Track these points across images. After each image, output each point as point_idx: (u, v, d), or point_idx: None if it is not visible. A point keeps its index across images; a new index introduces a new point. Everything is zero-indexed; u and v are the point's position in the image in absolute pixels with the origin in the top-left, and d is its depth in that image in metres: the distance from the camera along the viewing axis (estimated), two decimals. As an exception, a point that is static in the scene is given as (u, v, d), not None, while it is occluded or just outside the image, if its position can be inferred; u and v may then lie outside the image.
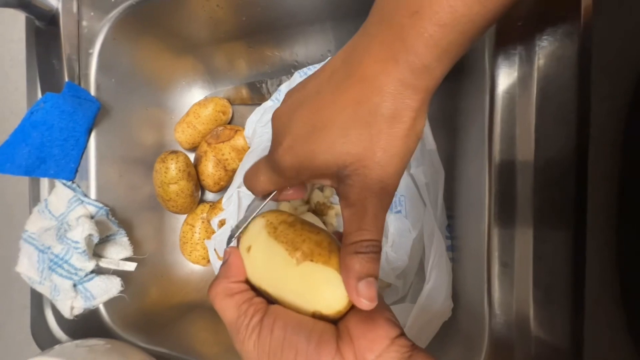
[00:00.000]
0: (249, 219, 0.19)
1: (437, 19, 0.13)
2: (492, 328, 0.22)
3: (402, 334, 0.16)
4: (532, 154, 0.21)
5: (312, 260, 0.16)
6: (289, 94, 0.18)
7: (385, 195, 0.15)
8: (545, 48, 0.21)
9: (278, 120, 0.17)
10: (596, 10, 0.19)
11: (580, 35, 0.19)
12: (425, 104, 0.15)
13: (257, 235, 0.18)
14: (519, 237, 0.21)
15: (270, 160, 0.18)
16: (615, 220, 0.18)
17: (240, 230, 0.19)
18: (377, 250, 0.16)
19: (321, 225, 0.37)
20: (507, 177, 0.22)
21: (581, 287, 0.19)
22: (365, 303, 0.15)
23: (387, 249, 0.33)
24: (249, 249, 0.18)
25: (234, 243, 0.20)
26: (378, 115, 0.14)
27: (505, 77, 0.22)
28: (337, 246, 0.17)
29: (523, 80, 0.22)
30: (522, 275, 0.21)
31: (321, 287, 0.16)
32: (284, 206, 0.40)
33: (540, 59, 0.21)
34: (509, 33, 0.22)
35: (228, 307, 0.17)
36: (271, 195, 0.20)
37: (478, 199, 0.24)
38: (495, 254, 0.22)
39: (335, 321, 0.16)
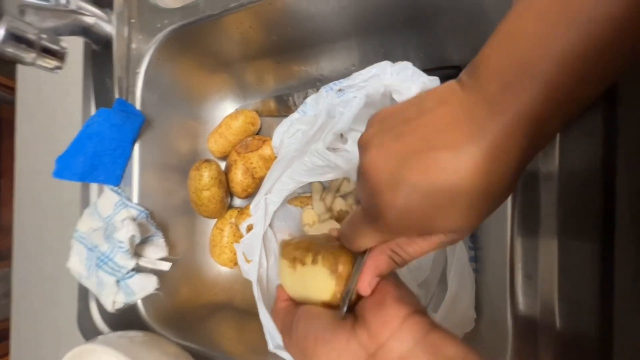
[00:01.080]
0: (356, 278, 0.18)
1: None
2: (516, 339, 0.22)
3: (416, 312, 0.16)
4: (557, 164, 0.21)
5: (304, 264, 0.19)
6: (387, 126, 0.15)
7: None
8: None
9: (376, 163, 0.14)
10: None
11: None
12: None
13: (282, 268, 0.21)
14: (542, 248, 0.21)
15: (370, 215, 0.16)
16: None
17: (351, 291, 0.18)
18: (402, 265, 0.18)
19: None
20: (530, 188, 0.22)
21: (609, 299, 0.18)
22: (368, 289, 0.17)
23: (408, 257, 0.33)
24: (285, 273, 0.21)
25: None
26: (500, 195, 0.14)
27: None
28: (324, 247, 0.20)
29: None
30: (546, 286, 0.21)
31: (316, 282, 0.19)
32: (308, 213, 0.41)
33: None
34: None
35: (276, 320, 0.21)
36: (367, 252, 0.18)
37: (501, 209, 0.24)
38: (519, 265, 0.22)
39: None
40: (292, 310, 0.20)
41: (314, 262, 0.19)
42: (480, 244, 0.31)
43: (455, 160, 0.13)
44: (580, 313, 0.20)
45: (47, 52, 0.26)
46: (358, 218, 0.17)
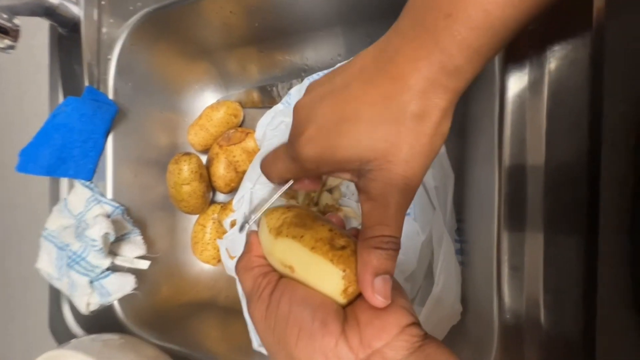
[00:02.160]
0: (265, 206, 0.20)
1: (470, 21, 0.13)
2: (502, 332, 0.22)
3: (415, 324, 0.15)
4: (543, 158, 0.21)
5: (320, 252, 0.16)
6: (313, 85, 0.18)
7: (408, 191, 0.15)
8: (556, 51, 0.21)
9: (301, 110, 0.17)
10: (608, 14, 0.19)
11: (592, 39, 0.19)
12: (453, 105, 0.15)
13: (279, 220, 0.18)
14: (529, 240, 0.21)
15: (290, 149, 0.18)
16: (628, 224, 0.18)
17: (256, 218, 0.20)
18: (396, 247, 0.16)
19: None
20: (517, 181, 0.22)
21: (593, 291, 0.19)
22: (380, 300, 0.15)
23: (395, 251, 0.33)
24: (272, 230, 0.18)
25: (248, 227, 0.21)
26: (407, 113, 0.15)
27: (516, 81, 0.22)
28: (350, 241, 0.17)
29: (534, 84, 0.22)
30: (532, 279, 0.21)
31: (325, 278, 0.16)
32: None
33: (551, 62, 0.21)
34: (519, 37, 0.22)
35: (246, 278, 0.18)
36: (287, 185, 0.20)
37: (488, 203, 0.24)
38: (505, 258, 0.22)
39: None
40: (270, 277, 0.17)
41: (314, 249, 0.16)
42: (467, 237, 0.31)
43: (359, 91, 0.15)
44: (565, 304, 0.20)
45: (-4, 30, 0.23)
46: (281, 150, 0.19)
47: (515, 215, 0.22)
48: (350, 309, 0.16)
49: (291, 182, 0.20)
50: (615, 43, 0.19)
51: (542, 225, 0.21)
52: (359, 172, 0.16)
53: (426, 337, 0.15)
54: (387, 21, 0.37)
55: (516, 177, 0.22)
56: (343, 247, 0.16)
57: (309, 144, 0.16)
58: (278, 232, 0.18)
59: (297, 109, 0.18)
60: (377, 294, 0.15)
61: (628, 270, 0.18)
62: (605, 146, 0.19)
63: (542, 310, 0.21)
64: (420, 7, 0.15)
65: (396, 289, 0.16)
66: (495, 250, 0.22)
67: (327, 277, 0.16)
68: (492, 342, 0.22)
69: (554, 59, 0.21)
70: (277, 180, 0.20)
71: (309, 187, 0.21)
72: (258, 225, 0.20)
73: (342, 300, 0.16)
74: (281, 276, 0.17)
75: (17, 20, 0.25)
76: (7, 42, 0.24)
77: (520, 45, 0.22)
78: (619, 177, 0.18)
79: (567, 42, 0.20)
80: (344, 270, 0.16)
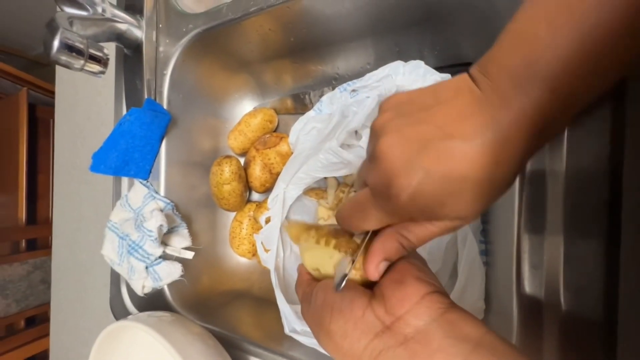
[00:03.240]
0: (359, 253, 0.19)
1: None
2: (521, 329, 0.23)
3: (436, 292, 0.16)
4: (564, 161, 0.22)
5: (325, 244, 0.20)
6: (402, 124, 0.15)
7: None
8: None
9: (395, 151, 0.15)
10: None
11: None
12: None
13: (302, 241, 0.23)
14: (549, 239, 0.22)
15: (384, 203, 0.16)
16: (650, 226, 0.18)
17: (350, 265, 0.19)
18: (411, 250, 0.18)
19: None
20: (537, 183, 0.23)
21: (614, 290, 0.19)
22: (375, 274, 0.18)
23: (420, 250, 0.34)
24: (300, 250, 0.23)
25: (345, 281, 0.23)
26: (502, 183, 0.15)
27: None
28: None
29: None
30: (552, 278, 0.22)
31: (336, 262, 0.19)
32: (323, 208, 0.43)
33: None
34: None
35: (298, 290, 0.22)
36: (370, 234, 0.19)
37: (509, 203, 0.24)
38: (526, 256, 0.23)
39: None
40: (312, 283, 0.21)
41: (327, 243, 0.20)
42: (491, 238, 0.32)
43: (468, 149, 0.14)
44: (585, 301, 0.20)
45: (93, 59, 0.29)
46: (364, 199, 0.17)
47: (535, 216, 0.23)
48: (377, 287, 0.18)
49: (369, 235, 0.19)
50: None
51: (562, 226, 0.22)
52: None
53: (451, 305, 0.16)
54: (413, 31, 0.39)
55: (537, 179, 0.23)
56: (344, 235, 0.20)
57: (413, 198, 0.15)
58: (302, 249, 0.22)
59: (386, 148, 0.15)
60: (376, 272, 0.18)
61: (650, 271, 0.18)
62: (627, 150, 0.19)
63: (562, 305, 0.21)
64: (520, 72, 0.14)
65: (415, 265, 0.18)
66: (516, 248, 0.23)
67: (337, 260, 0.19)
68: (511, 338, 0.23)
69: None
70: (364, 230, 0.19)
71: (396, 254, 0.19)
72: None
73: (356, 276, 0.19)
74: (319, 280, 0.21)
75: (107, 50, 0.31)
76: (99, 68, 0.30)
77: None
78: (641, 180, 0.19)
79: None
80: (346, 252, 0.19)
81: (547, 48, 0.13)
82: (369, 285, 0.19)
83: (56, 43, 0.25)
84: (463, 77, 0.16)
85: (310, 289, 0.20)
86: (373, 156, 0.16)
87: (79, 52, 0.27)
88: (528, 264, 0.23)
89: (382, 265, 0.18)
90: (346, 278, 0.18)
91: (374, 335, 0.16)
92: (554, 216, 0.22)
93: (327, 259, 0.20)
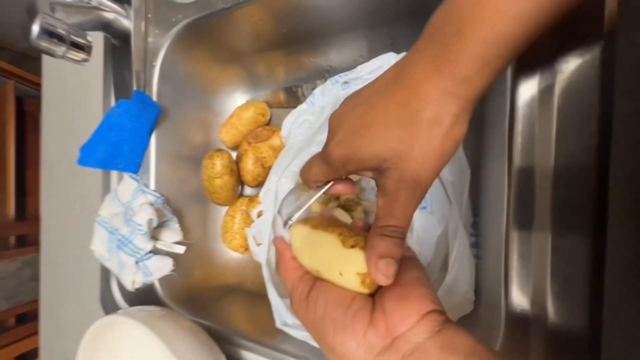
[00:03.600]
0: (304, 208, 0.22)
1: (478, 36, 0.15)
2: (508, 319, 0.23)
3: (436, 310, 0.17)
4: (553, 153, 0.22)
5: (353, 247, 0.19)
6: (345, 100, 0.20)
7: (417, 189, 0.17)
8: (567, 49, 0.21)
9: (333, 120, 0.20)
10: (621, 15, 0.19)
11: (603, 38, 0.20)
12: (466, 112, 0.17)
13: (306, 228, 0.22)
14: (537, 231, 0.22)
15: (322, 153, 0.20)
16: (637, 216, 0.18)
17: (296, 217, 0.22)
18: (401, 236, 0.18)
19: (349, 220, 0.40)
20: (526, 175, 0.23)
21: (600, 282, 0.19)
22: (382, 278, 0.17)
23: (412, 243, 0.35)
24: (301, 237, 0.22)
25: (285, 228, 0.23)
26: (419, 118, 0.16)
27: (527, 79, 0.23)
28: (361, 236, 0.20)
29: (545, 82, 0.22)
30: (539, 269, 0.22)
31: (348, 265, 0.19)
32: (315, 204, 0.43)
33: (562, 61, 0.22)
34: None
35: (286, 281, 0.21)
36: (325, 188, 0.22)
37: (498, 196, 0.25)
38: (514, 247, 0.23)
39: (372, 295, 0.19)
40: (304, 277, 0.20)
41: (352, 246, 0.19)
42: (482, 231, 0.32)
43: (382, 99, 0.17)
44: (572, 293, 0.21)
45: (75, 45, 0.28)
46: (315, 156, 0.21)
47: (524, 208, 0.23)
48: (379, 299, 0.18)
49: (327, 186, 0.22)
50: (626, 41, 0.19)
51: (550, 217, 0.22)
52: (379, 170, 0.18)
53: (446, 322, 0.16)
54: (406, 23, 0.39)
55: (526, 171, 0.23)
56: (352, 246, 0.19)
57: (337, 147, 0.19)
58: (301, 245, 0.21)
59: (330, 120, 0.20)
60: (380, 273, 0.17)
61: (635, 262, 0.18)
62: (615, 141, 0.19)
63: (549, 298, 0.21)
64: (437, 26, 0.16)
65: (419, 279, 0.18)
66: (504, 239, 0.23)
67: (345, 276, 0.18)
68: (498, 329, 0.23)
69: (565, 58, 0.21)
70: (313, 183, 0.22)
71: (343, 191, 0.23)
72: (288, 231, 0.23)
73: (365, 291, 0.18)
74: (315, 278, 0.20)
75: (90, 37, 0.30)
76: (82, 56, 0.29)
77: (532, 46, 0.23)
78: (628, 171, 0.19)
79: (578, 41, 0.21)
80: (354, 243, 0.18)
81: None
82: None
83: (36, 28, 0.24)
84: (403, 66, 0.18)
85: (304, 285, 0.20)
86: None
87: (60, 39, 0.26)
88: (517, 255, 0.23)
89: (383, 263, 0.17)
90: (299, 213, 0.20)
91: (376, 354, 0.16)
92: (542, 208, 0.22)
93: (332, 267, 0.19)
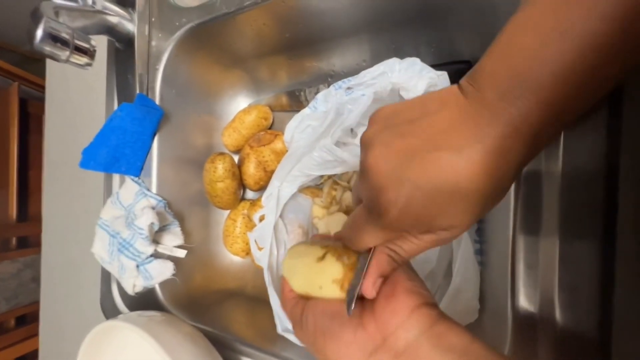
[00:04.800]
0: (363, 272, 0.19)
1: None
2: (515, 328, 0.22)
3: (426, 304, 0.16)
4: (560, 161, 0.21)
5: (324, 257, 0.20)
6: (389, 136, 0.15)
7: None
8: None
9: (382, 168, 0.15)
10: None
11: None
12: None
13: (287, 267, 0.23)
14: (544, 239, 0.22)
15: (377, 218, 0.16)
16: (646, 226, 0.18)
17: (356, 290, 0.19)
18: (401, 262, 0.18)
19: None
20: (533, 183, 0.22)
21: (610, 290, 0.19)
22: (374, 293, 0.17)
23: (414, 249, 0.34)
24: (287, 268, 0.23)
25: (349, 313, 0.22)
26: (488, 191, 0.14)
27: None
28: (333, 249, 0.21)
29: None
30: (547, 277, 0.21)
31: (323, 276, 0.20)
32: (318, 207, 0.43)
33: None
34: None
35: (286, 312, 0.22)
36: (373, 250, 0.19)
37: (505, 203, 0.24)
38: (521, 256, 0.23)
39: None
40: (299, 302, 0.21)
41: (321, 258, 0.20)
42: (486, 238, 0.31)
43: (456, 161, 0.13)
44: (580, 302, 0.20)
45: (79, 50, 0.28)
46: (360, 217, 0.17)
47: (530, 216, 0.22)
48: (369, 304, 0.18)
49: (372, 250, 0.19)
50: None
51: (557, 225, 0.21)
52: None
53: (439, 316, 0.16)
54: (410, 28, 0.39)
55: (532, 179, 0.23)
56: (323, 257, 0.20)
57: (405, 215, 0.15)
58: (288, 275, 0.22)
59: (370, 161, 0.15)
60: (375, 290, 0.17)
61: (646, 271, 0.18)
62: (624, 148, 0.19)
63: (557, 307, 0.21)
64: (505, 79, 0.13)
65: (405, 273, 0.18)
66: (510, 247, 0.23)
67: (324, 288, 0.19)
68: (505, 338, 0.23)
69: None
70: (365, 249, 0.19)
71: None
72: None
73: (344, 281, 0.19)
74: (307, 299, 0.21)
75: (94, 42, 0.30)
76: (85, 60, 0.29)
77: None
78: (638, 178, 0.19)
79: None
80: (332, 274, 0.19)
81: (534, 58, 0.13)
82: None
83: (39, 32, 0.24)
84: (451, 88, 0.15)
85: (298, 309, 0.20)
86: (362, 170, 0.16)
87: (63, 43, 0.26)
88: (523, 263, 0.23)
89: (379, 283, 0.18)
90: (355, 299, 0.18)
91: (368, 355, 0.16)
92: (550, 216, 0.22)
93: (313, 285, 0.20)
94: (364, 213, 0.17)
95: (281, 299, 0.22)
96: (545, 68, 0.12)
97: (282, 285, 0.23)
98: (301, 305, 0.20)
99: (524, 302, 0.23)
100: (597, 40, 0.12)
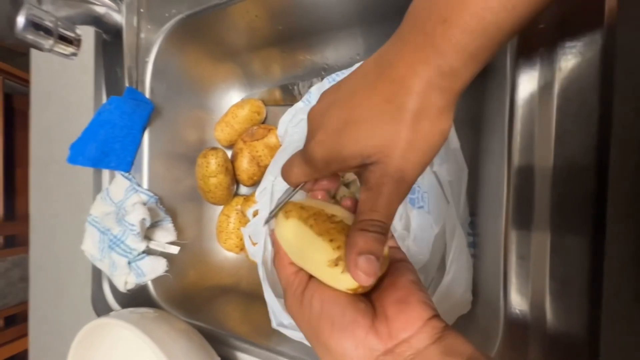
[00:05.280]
0: (281, 204, 0.22)
1: (465, 26, 0.14)
2: (508, 318, 0.23)
3: (436, 316, 0.16)
4: (552, 152, 0.22)
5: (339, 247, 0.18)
6: (324, 94, 0.19)
7: (402, 183, 0.17)
8: (567, 48, 0.21)
9: (313, 117, 0.19)
10: (620, 11, 0.19)
11: (603, 36, 0.20)
12: (452, 105, 0.16)
13: (293, 225, 0.20)
14: (536, 231, 0.22)
15: (303, 153, 0.20)
16: (636, 217, 0.18)
17: (272, 214, 0.22)
18: (383, 231, 0.17)
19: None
20: (526, 174, 0.23)
21: (599, 282, 0.19)
22: (362, 277, 0.16)
23: (409, 242, 0.34)
24: (286, 234, 0.20)
25: (267, 226, 0.23)
26: (404, 112, 0.16)
27: (527, 78, 0.23)
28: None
29: (544, 80, 0.22)
30: (538, 268, 0.22)
31: (316, 250, 0.18)
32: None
33: (562, 59, 0.21)
34: (531, 35, 0.22)
35: (281, 275, 0.21)
36: (301, 185, 0.22)
37: (497, 195, 0.24)
38: (513, 247, 0.23)
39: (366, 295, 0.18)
40: (299, 273, 0.19)
41: (317, 232, 0.19)
42: (479, 230, 0.32)
43: (363, 97, 0.17)
44: (570, 294, 0.21)
45: (63, 39, 0.27)
46: (296, 156, 0.21)
47: (523, 208, 0.23)
48: (380, 304, 0.17)
49: (306, 182, 0.21)
50: (626, 39, 0.19)
51: (549, 217, 0.22)
52: (362, 167, 0.17)
53: (446, 328, 0.16)
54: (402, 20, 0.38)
55: (525, 171, 0.23)
56: (339, 247, 0.18)
57: (319, 146, 0.18)
58: (287, 245, 0.20)
59: (309, 117, 0.19)
60: (360, 271, 0.16)
61: (634, 263, 0.18)
62: (614, 141, 0.19)
63: (548, 299, 0.21)
64: (420, 13, 0.16)
65: (416, 283, 0.18)
66: (503, 239, 0.23)
67: (334, 280, 0.18)
68: (497, 330, 0.23)
69: (564, 56, 0.21)
70: (295, 183, 0.22)
71: (327, 186, 0.22)
72: (275, 227, 0.22)
73: (358, 290, 0.18)
74: (310, 275, 0.19)
75: (79, 31, 0.29)
76: (71, 50, 0.28)
77: (531, 43, 0.22)
78: (628, 171, 0.19)
79: (578, 40, 0.21)
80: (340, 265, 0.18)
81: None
82: (367, 293, 0.18)
83: (21, 20, 0.23)
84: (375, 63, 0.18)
85: (300, 282, 0.19)
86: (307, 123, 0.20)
87: (47, 31, 0.25)
88: (515, 255, 0.23)
89: (363, 260, 0.16)
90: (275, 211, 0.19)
91: (376, 357, 0.16)
92: (541, 208, 0.22)
93: (311, 247, 0.19)
94: (299, 152, 0.20)
95: (276, 259, 0.21)
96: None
97: (277, 244, 0.21)
98: (304, 279, 0.19)
99: (516, 294, 0.23)
100: None
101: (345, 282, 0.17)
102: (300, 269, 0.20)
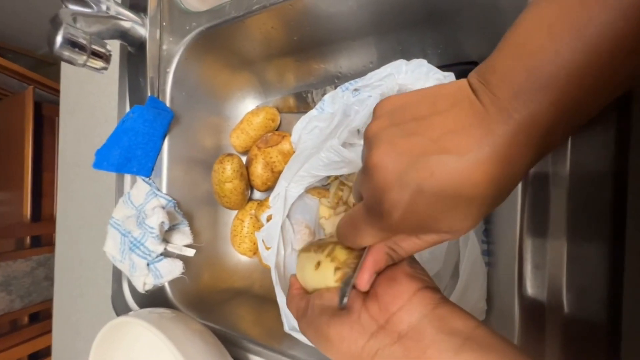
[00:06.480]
0: (355, 275, 0.19)
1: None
2: (523, 329, 0.22)
3: (427, 287, 0.17)
4: (568, 162, 0.21)
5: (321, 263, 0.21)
6: (395, 134, 0.15)
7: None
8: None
9: (386, 167, 0.14)
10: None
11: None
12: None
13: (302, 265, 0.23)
14: (552, 239, 0.22)
15: (377, 219, 0.16)
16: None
17: (352, 280, 0.19)
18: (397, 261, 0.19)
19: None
20: (540, 181, 0.22)
21: (618, 292, 0.19)
22: (368, 286, 0.18)
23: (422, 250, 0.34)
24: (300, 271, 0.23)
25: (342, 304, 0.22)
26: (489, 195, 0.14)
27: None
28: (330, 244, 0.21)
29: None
30: (555, 278, 0.21)
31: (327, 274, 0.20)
32: (324, 207, 0.43)
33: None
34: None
35: (291, 306, 0.22)
36: (368, 248, 0.19)
37: (512, 203, 0.24)
38: (528, 257, 0.23)
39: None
40: (304, 295, 0.21)
41: (322, 254, 0.21)
42: (493, 239, 0.31)
43: (463, 166, 0.13)
44: (588, 303, 0.20)
45: (95, 55, 0.29)
46: (359, 216, 0.17)
47: (538, 215, 0.22)
48: (372, 288, 0.18)
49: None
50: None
51: (565, 225, 0.21)
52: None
53: (442, 300, 0.16)
54: (416, 30, 0.39)
55: (540, 177, 0.23)
56: (321, 249, 0.21)
57: (408, 217, 0.14)
58: (304, 273, 0.22)
59: (372, 158, 0.15)
60: (369, 284, 0.18)
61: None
62: (633, 147, 0.19)
63: (565, 309, 0.21)
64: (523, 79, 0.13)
65: (407, 260, 0.18)
66: (518, 249, 0.23)
67: (327, 279, 0.20)
68: (512, 339, 0.23)
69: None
70: (358, 247, 0.19)
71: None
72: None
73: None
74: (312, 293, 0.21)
75: (109, 47, 0.31)
76: (101, 64, 0.30)
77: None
78: (647, 179, 0.18)
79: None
80: (346, 267, 0.20)
81: (549, 58, 0.12)
82: None
83: (59, 38, 0.25)
84: (462, 84, 0.15)
85: (304, 302, 0.20)
86: (365, 168, 0.15)
87: (81, 48, 0.27)
88: (530, 264, 0.23)
89: (373, 278, 0.18)
90: (347, 294, 0.18)
91: (370, 335, 0.16)
92: (557, 216, 0.22)
93: (329, 277, 0.20)
94: (363, 212, 0.16)
95: (287, 296, 0.23)
96: (559, 68, 0.12)
97: (291, 282, 0.23)
98: (306, 297, 0.21)
99: (531, 303, 0.23)
100: (612, 38, 0.11)
101: (329, 276, 0.19)
102: (304, 293, 0.22)
